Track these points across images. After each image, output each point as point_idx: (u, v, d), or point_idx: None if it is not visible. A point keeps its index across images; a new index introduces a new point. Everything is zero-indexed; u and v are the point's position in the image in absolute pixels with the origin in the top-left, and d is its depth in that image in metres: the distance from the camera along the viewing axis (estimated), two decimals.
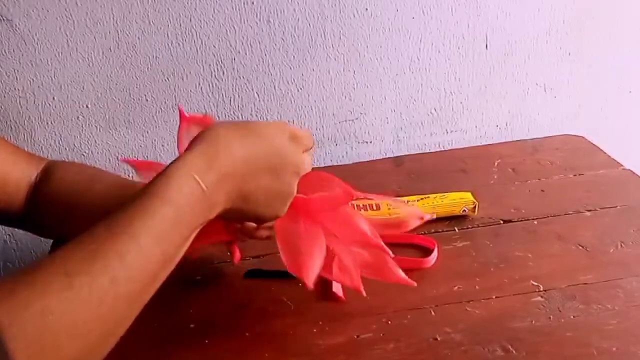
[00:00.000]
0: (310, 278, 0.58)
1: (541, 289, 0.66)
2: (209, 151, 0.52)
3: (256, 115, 0.99)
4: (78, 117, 0.96)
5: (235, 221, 0.64)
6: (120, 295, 0.43)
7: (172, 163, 0.51)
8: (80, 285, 0.41)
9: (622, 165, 0.91)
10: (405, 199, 0.80)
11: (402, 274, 0.63)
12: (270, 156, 0.55)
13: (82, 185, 0.72)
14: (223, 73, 0.96)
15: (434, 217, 0.66)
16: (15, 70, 0.92)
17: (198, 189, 0.50)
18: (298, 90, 0.99)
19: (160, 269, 0.47)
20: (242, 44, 0.94)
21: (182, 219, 0.49)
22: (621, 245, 0.73)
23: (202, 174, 0.50)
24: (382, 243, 0.61)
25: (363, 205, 0.78)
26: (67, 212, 0.72)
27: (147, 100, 0.96)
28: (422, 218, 0.67)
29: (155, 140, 0.98)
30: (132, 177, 1.00)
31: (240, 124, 0.58)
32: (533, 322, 0.62)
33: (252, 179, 0.54)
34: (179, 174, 0.50)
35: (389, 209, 0.78)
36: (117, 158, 1.00)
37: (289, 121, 1.00)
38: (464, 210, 0.79)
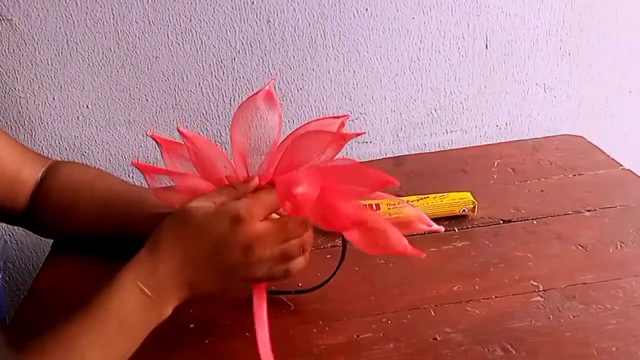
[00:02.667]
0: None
1: (541, 289, 0.66)
2: (152, 256, 0.54)
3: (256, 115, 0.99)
4: (78, 117, 0.96)
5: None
6: None
7: (117, 273, 0.53)
8: None
9: (621, 165, 0.91)
10: (405, 199, 0.80)
11: (407, 244, 0.58)
12: (210, 244, 0.54)
13: (83, 185, 0.73)
14: (223, 73, 0.96)
15: (442, 230, 0.63)
16: (15, 70, 0.92)
17: (143, 296, 0.52)
18: (298, 90, 0.99)
19: None
20: (242, 44, 0.94)
21: (128, 327, 0.52)
22: (621, 245, 0.73)
23: (146, 280, 0.53)
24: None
25: (363, 205, 0.78)
26: (66, 212, 0.72)
27: (147, 100, 0.96)
28: (430, 225, 0.62)
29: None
30: (133, 178, 1.00)
31: (181, 221, 0.55)
32: (533, 322, 0.62)
33: (197, 270, 0.55)
34: (123, 284, 0.53)
35: (389, 208, 0.78)
36: (117, 158, 1.00)
37: (289, 121, 1.00)
38: (464, 210, 0.79)
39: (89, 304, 0.52)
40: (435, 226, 0.61)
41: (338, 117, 0.63)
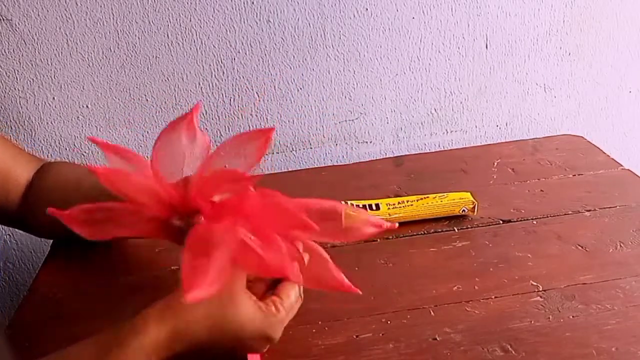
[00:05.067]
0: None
1: (540, 289, 0.66)
2: (177, 330, 0.51)
3: (256, 115, 0.99)
4: (78, 117, 0.96)
5: None
6: None
7: (134, 334, 0.50)
8: None
9: (621, 165, 0.91)
10: (406, 199, 0.80)
11: (345, 279, 0.58)
12: (232, 341, 0.54)
13: (72, 184, 0.73)
14: (223, 73, 0.96)
15: (396, 225, 0.60)
16: (15, 70, 0.92)
17: None
18: (298, 90, 0.99)
19: None
20: (242, 44, 0.94)
21: None
22: (621, 245, 0.73)
23: (161, 356, 0.50)
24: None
25: (363, 205, 0.78)
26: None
27: (147, 100, 0.96)
28: (380, 226, 0.59)
29: (155, 140, 0.98)
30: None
31: (217, 315, 0.54)
32: (532, 322, 0.62)
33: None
34: (139, 353, 0.50)
35: (388, 209, 0.78)
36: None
37: (289, 121, 1.00)
38: (464, 210, 0.79)
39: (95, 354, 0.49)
40: (386, 224, 0.59)
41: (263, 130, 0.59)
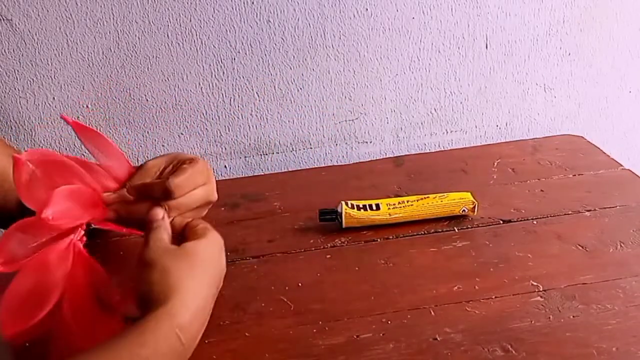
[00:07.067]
0: None
1: (541, 289, 0.67)
2: (182, 302, 0.52)
3: (256, 115, 0.99)
4: (78, 117, 0.96)
5: None
6: None
7: (155, 309, 0.50)
8: None
9: (621, 165, 0.91)
10: (406, 199, 0.80)
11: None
12: (216, 274, 0.58)
13: None
14: (223, 73, 0.96)
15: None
16: (15, 70, 0.92)
17: (178, 344, 0.50)
18: (298, 90, 0.99)
19: None
20: (242, 44, 0.94)
21: None
22: (621, 245, 0.73)
23: (184, 329, 0.51)
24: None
25: (363, 205, 0.78)
26: None
27: (147, 100, 0.96)
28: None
29: (155, 140, 0.98)
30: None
31: (183, 259, 0.56)
32: (533, 322, 0.62)
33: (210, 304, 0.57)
34: (161, 330, 0.49)
35: (388, 209, 0.78)
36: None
37: (289, 121, 1.00)
38: (464, 211, 0.79)
39: (117, 343, 0.48)
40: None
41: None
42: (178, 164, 0.64)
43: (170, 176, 0.61)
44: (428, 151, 1.04)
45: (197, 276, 0.54)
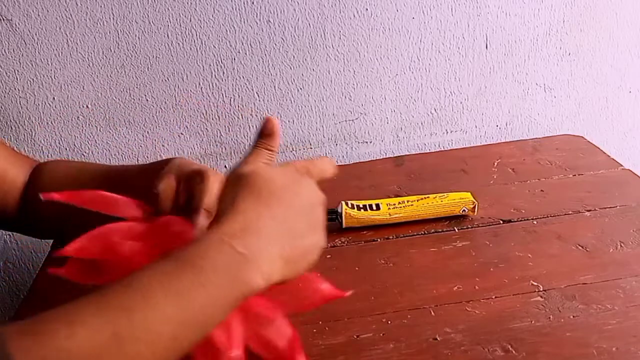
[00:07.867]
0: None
1: (541, 289, 0.66)
2: (237, 215, 0.48)
3: (256, 115, 0.99)
4: (78, 117, 0.96)
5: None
6: (123, 354, 0.39)
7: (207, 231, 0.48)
8: (81, 337, 0.38)
9: (622, 165, 0.91)
10: (406, 199, 0.80)
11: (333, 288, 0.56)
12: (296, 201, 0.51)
13: (70, 179, 0.73)
14: (223, 73, 0.96)
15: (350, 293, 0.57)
16: (15, 70, 0.92)
17: (232, 252, 0.45)
18: (298, 90, 0.99)
19: (177, 335, 0.42)
20: (242, 44, 0.94)
21: (207, 282, 0.44)
22: (621, 245, 0.73)
23: (236, 236, 0.46)
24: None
25: (363, 205, 0.78)
26: (57, 208, 0.72)
27: (147, 100, 0.96)
28: (333, 297, 0.56)
29: (155, 140, 0.98)
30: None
31: (253, 183, 0.51)
32: (533, 322, 0.62)
33: (288, 225, 0.50)
34: (210, 241, 0.46)
35: (388, 209, 0.78)
36: (117, 158, 1.00)
37: (289, 121, 1.00)
38: (464, 210, 0.79)
39: (164, 257, 0.44)
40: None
41: None
42: (190, 179, 0.61)
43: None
44: (428, 151, 1.04)
45: (248, 194, 0.49)
